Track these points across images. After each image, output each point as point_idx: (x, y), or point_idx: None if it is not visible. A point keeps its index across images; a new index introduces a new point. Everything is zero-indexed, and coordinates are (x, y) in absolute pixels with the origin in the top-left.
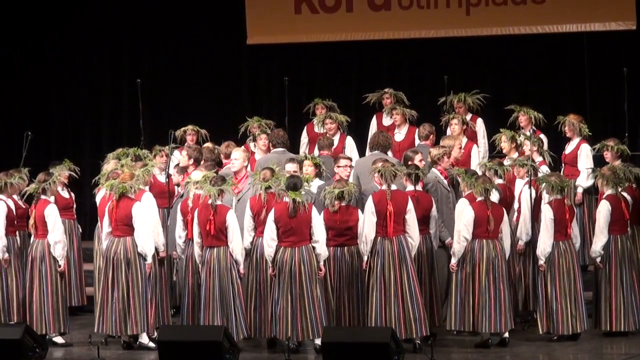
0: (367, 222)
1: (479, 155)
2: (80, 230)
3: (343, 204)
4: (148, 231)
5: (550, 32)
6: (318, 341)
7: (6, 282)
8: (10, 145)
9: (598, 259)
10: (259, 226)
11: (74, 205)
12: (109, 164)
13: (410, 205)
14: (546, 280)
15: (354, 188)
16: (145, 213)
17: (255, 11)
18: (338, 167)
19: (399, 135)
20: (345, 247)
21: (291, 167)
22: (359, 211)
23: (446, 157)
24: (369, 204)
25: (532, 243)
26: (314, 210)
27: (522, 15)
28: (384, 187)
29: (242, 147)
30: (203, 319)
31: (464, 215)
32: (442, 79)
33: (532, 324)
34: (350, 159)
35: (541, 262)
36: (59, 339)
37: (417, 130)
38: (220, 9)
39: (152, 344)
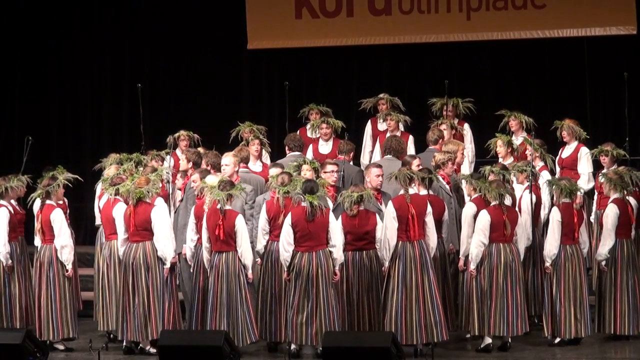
0: (389, 228)
1: (467, 160)
2: (73, 234)
3: (361, 208)
4: (167, 235)
5: (551, 37)
6: (319, 346)
7: (9, 288)
8: (11, 150)
9: (603, 262)
10: (274, 230)
11: (67, 210)
12: (110, 169)
13: (429, 208)
14: (552, 283)
15: (372, 192)
16: (164, 217)
17: (255, 16)
18: (324, 172)
19: None
20: (364, 252)
21: (275, 172)
22: (377, 216)
23: (450, 163)
24: (390, 210)
25: (532, 248)
26: (331, 215)
27: (523, 20)
28: (402, 191)
29: (232, 152)
30: (210, 324)
31: (480, 220)
32: (442, 83)
33: (534, 328)
34: (337, 165)
35: (547, 264)
36: (59, 345)
37: (426, 135)
38: (221, 14)
39: (152, 350)
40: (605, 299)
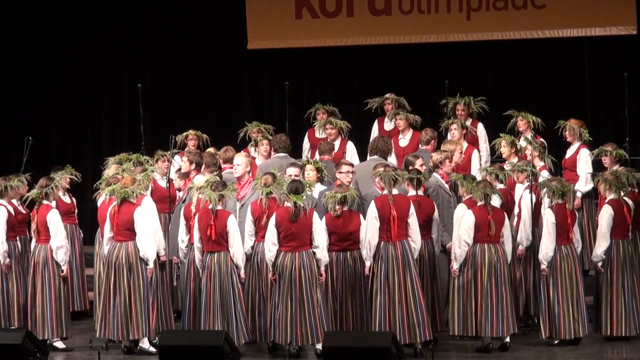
0: (370, 228)
1: (480, 160)
2: (82, 235)
3: (345, 208)
4: (150, 236)
5: (551, 37)
6: (319, 346)
7: (7, 287)
8: (11, 150)
9: (599, 264)
10: (259, 231)
11: (76, 210)
12: (110, 169)
13: (412, 209)
14: (548, 285)
15: (356, 193)
16: (147, 218)
17: (255, 16)
18: (340, 172)
19: (404, 140)
20: (348, 252)
21: (293, 172)
22: (361, 216)
23: (448, 161)
24: (372, 209)
25: (532, 248)
26: (315, 215)
27: (523, 20)
28: (386, 191)
29: (243, 152)
30: (204, 324)
31: (465, 220)
32: (442, 83)
33: (533, 328)
34: (352, 165)
35: (543, 266)
36: (59, 344)
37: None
38: (221, 14)
39: (152, 349)
40: (602, 300)
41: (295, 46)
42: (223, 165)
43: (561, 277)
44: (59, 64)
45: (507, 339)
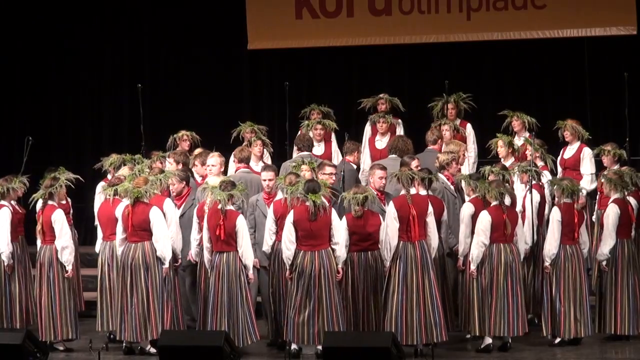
0: (390, 228)
1: (469, 161)
2: (77, 235)
3: (365, 208)
4: (167, 235)
5: (551, 37)
6: (319, 346)
7: (9, 287)
8: (11, 150)
9: (604, 262)
10: (280, 230)
11: (71, 211)
12: (124, 170)
13: (430, 209)
14: (551, 283)
15: (375, 193)
16: (163, 218)
17: (255, 16)
18: (323, 174)
19: (381, 143)
20: (369, 252)
21: (267, 176)
22: (380, 216)
23: (454, 162)
24: (391, 210)
25: (535, 247)
26: (334, 213)
27: (523, 20)
28: (403, 191)
29: (217, 153)
30: (211, 324)
31: (480, 220)
32: (442, 83)
33: (534, 328)
34: (335, 167)
35: (546, 263)
36: (59, 345)
37: (425, 135)
38: (221, 14)
39: (153, 350)
40: (606, 299)
41: (295, 46)
42: (237, 165)
43: (564, 276)
44: (58, 64)
45: (508, 339)
